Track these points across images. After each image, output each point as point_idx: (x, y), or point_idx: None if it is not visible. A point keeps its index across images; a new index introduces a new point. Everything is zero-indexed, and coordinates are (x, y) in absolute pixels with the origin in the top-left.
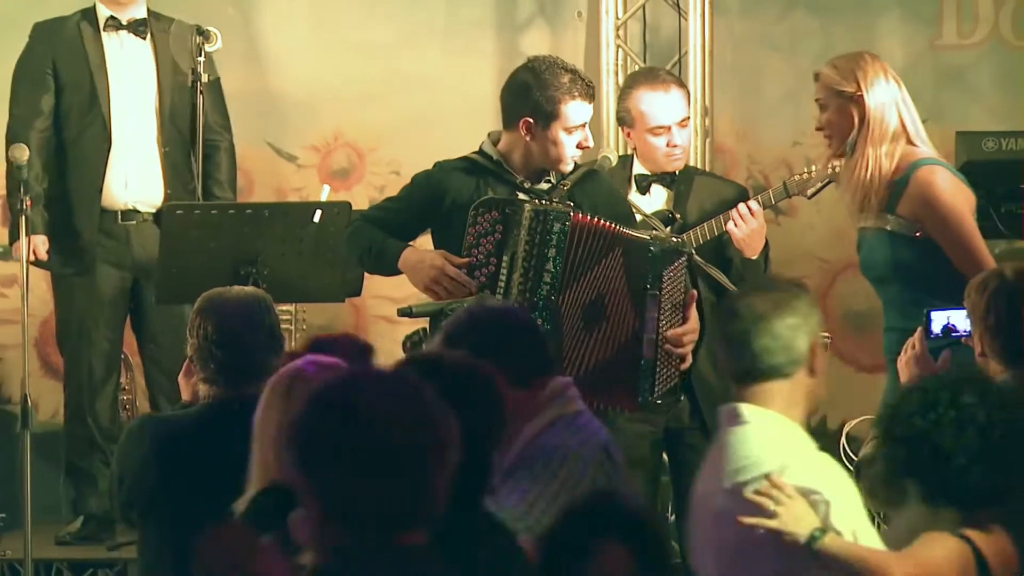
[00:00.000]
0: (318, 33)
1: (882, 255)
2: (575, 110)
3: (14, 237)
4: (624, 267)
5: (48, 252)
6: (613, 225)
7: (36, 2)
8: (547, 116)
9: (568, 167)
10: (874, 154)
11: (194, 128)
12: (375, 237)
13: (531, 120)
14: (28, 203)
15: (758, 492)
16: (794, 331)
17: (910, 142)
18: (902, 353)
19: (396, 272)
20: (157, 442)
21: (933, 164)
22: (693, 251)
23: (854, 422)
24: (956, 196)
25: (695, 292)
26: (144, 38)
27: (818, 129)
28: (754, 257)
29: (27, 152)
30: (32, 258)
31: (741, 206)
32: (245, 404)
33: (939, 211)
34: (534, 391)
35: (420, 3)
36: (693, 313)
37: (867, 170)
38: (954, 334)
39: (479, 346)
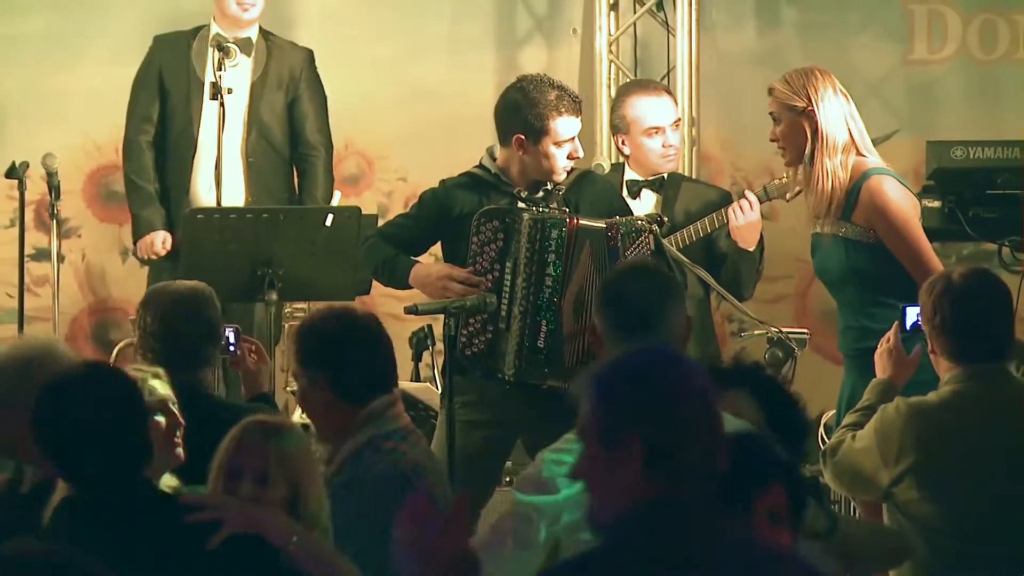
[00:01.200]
0: (331, 49)
1: (838, 260)
2: (563, 125)
3: (141, 233)
4: (592, 255)
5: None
6: (576, 220)
7: (58, 21)
8: (537, 132)
9: (561, 177)
10: (831, 165)
11: (294, 141)
12: (387, 254)
13: (523, 137)
14: (58, 208)
15: None
16: None
17: (859, 153)
18: (879, 346)
19: (407, 287)
20: None
21: (881, 173)
22: (658, 231)
23: (831, 412)
24: (903, 203)
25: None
26: (248, 55)
27: (772, 140)
28: (750, 249)
29: (57, 160)
30: (159, 251)
31: (743, 199)
32: (182, 391)
33: (888, 217)
34: (363, 407)
35: (426, 21)
36: None
37: (827, 180)
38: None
39: (316, 356)
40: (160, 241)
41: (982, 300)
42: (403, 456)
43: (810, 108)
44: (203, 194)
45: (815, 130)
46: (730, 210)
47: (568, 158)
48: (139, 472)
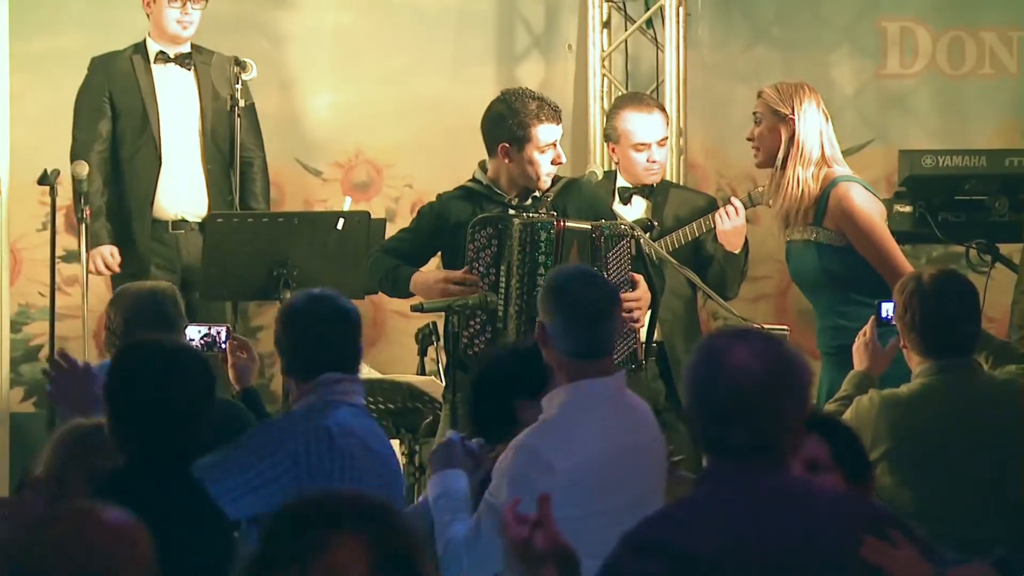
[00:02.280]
0: (341, 63)
1: (811, 264)
2: (544, 132)
3: (81, 244)
4: (579, 256)
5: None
6: (562, 222)
7: (94, 38)
8: (520, 140)
9: (546, 183)
10: (803, 175)
11: (232, 148)
12: (389, 266)
13: (507, 145)
14: (87, 212)
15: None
16: None
17: (828, 166)
18: (856, 340)
19: (410, 295)
20: None
21: (848, 181)
22: (640, 235)
23: None
24: (869, 208)
25: (641, 270)
26: (189, 69)
27: (748, 139)
28: (736, 252)
29: (87, 168)
30: (103, 268)
31: (729, 204)
32: None
33: (855, 221)
34: (314, 381)
35: (430, 37)
36: (641, 284)
37: (797, 188)
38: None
39: (286, 334)
40: (108, 254)
41: (950, 299)
42: (332, 418)
43: (791, 117)
44: (168, 205)
45: (791, 138)
46: (717, 215)
47: (552, 163)
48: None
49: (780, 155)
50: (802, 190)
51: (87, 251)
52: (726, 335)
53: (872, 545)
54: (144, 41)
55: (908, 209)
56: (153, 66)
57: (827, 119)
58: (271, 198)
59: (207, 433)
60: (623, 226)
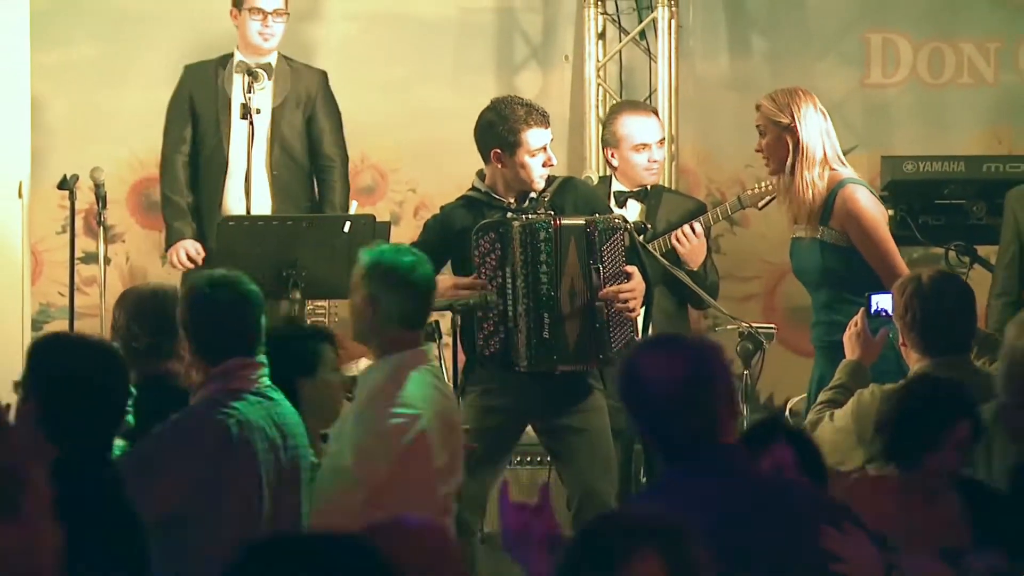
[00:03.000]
0: (348, 73)
1: (814, 261)
2: (534, 136)
3: (171, 242)
4: (575, 250)
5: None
6: (559, 220)
7: (111, 49)
8: (511, 145)
9: (539, 184)
10: (810, 176)
11: (307, 155)
12: None
13: (499, 151)
14: (105, 216)
15: None
16: None
17: (831, 166)
18: (847, 329)
19: None
20: None
21: (854, 184)
22: (631, 228)
23: (796, 399)
24: (874, 210)
25: (636, 264)
26: (270, 79)
27: (758, 151)
28: (695, 269)
29: (103, 173)
30: (186, 262)
31: (685, 227)
32: (147, 381)
33: (860, 222)
34: (218, 367)
35: (432, 48)
36: (636, 275)
37: (807, 190)
38: (884, 314)
39: (189, 318)
40: (191, 250)
41: (947, 299)
42: (233, 411)
43: (793, 124)
44: (233, 206)
45: (796, 144)
46: (674, 241)
47: (543, 166)
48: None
49: (788, 162)
50: (811, 192)
51: (104, 254)
52: (642, 347)
53: (830, 533)
54: (232, 53)
55: (890, 212)
56: (234, 75)
57: (825, 117)
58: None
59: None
60: (615, 219)
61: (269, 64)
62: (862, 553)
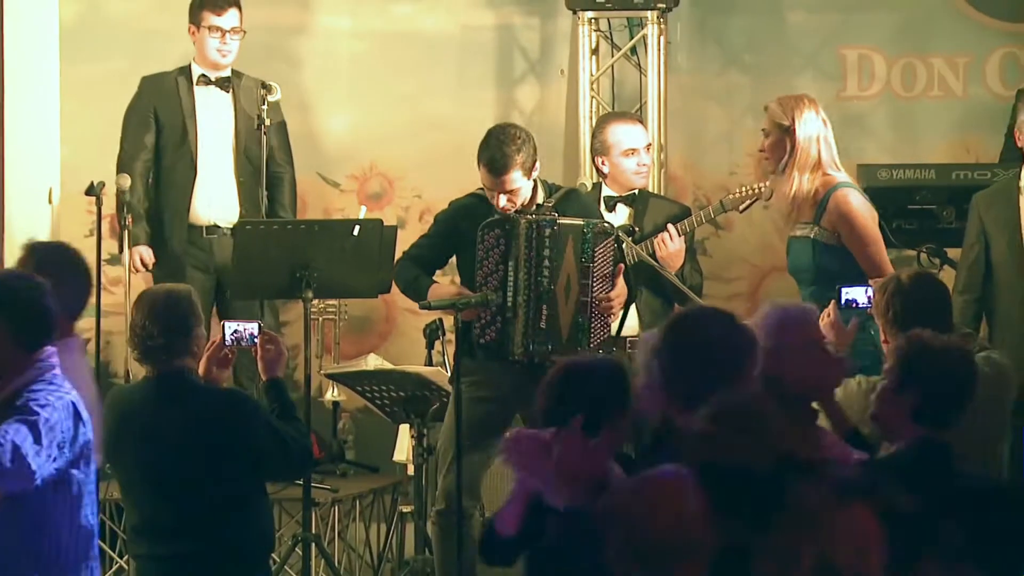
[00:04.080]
0: (356, 87)
1: (807, 259)
2: (487, 179)
3: (122, 250)
4: (572, 248)
5: (154, 261)
6: (559, 219)
7: (136, 64)
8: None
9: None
10: (799, 178)
11: (262, 162)
12: (411, 276)
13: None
14: (130, 220)
15: None
16: None
17: (825, 172)
18: (822, 318)
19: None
20: (113, 407)
21: (847, 187)
22: (621, 234)
23: None
24: (864, 212)
25: (622, 265)
26: (227, 92)
27: (760, 151)
28: (674, 272)
29: (129, 180)
30: (139, 266)
31: (663, 233)
32: (164, 377)
33: (852, 223)
34: (31, 354)
35: (437, 63)
36: (620, 282)
37: (792, 190)
38: (855, 306)
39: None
40: (145, 255)
41: (925, 297)
42: (70, 391)
43: (792, 127)
44: (202, 211)
45: (793, 146)
46: (656, 243)
47: (500, 206)
48: None
49: (783, 161)
50: (794, 192)
51: (129, 250)
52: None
53: None
54: (189, 65)
55: None
56: (195, 87)
57: (826, 124)
58: (296, 207)
59: None
60: (607, 225)
61: (228, 78)
62: None
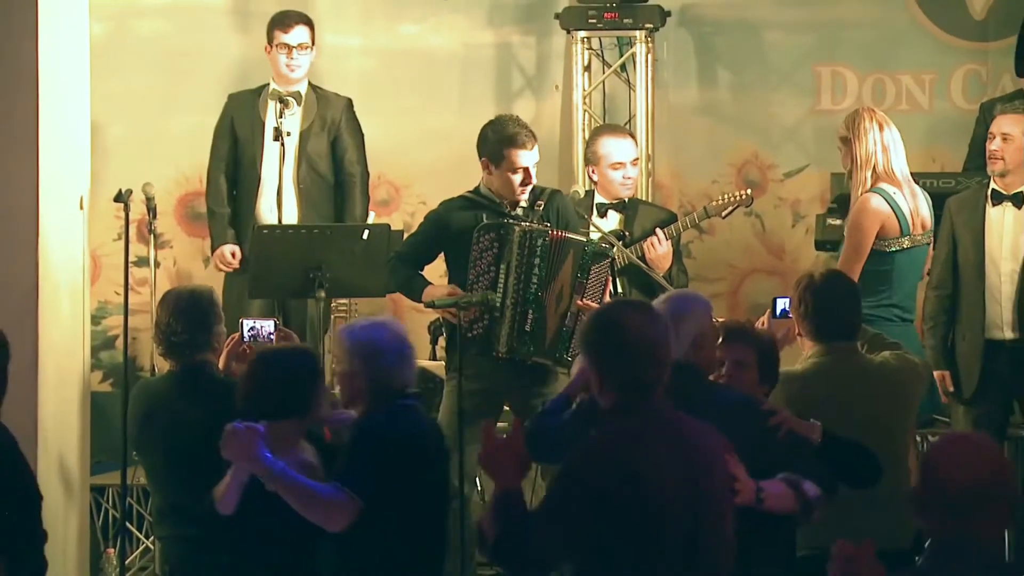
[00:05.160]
0: (367, 100)
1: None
2: (518, 156)
3: (215, 247)
4: (572, 262)
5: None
6: (563, 234)
7: (160, 81)
8: (498, 159)
9: (519, 197)
10: (858, 178)
11: (332, 170)
12: (405, 276)
13: (488, 160)
14: (155, 225)
15: None
16: None
17: (879, 177)
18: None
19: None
20: (140, 399)
21: (872, 193)
22: (616, 257)
23: None
24: (858, 215)
25: (610, 289)
26: (299, 105)
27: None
28: (662, 275)
29: (154, 188)
30: (229, 262)
31: (652, 237)
32: (186, 370)
33: (847, 224)
34: None
35: (440, 79)
36: (607, 299)
37: (852, 191)
38: (789, 316)
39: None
40: (229, 253)
41: (836, 293)
42: None
43: (852, 138)
44: (266, 215)
45: (854, 157)
46: (646, 246)
47: (522, 184)
48: None
49: (849, 169)
50: (852, 193)
51: (154, 258)
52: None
53: (730, 460)
54: (268, 83)
55: (838, 222)
56: (269, 102)
57: (881, 128)
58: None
59: None
60: (605, 245)
61: (299, 92)
62: (743, 477)
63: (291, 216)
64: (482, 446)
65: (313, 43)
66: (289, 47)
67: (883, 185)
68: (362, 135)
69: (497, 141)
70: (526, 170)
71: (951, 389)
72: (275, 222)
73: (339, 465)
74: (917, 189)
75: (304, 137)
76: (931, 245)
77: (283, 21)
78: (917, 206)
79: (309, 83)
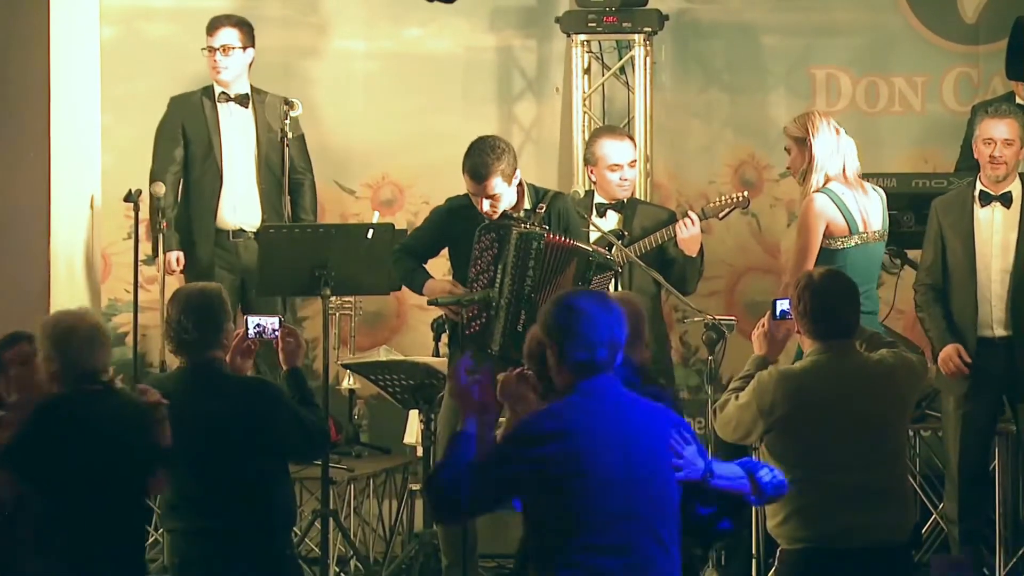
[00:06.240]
0: (373, 103)
1: None
2: (470, 186)
3: (157, 252)
4: (575, 271)
5: (184, 264)
6: (571, 241)
7: (169, 83)
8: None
9: (492, 214)
10: (811, 179)
11: (283, 171)
12: (408, 269)
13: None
14: (164, 225)
15: None
16: None
17: (832, 175)
18: (756, 328)
19: (423, 294)
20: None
21: (819, 193)
22: (620, 269)
23: None
24: (806, 218)
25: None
26: (247, 107)
27: (788, 168)
28: (693, 256)
29: (164, 188)
30: (173, 268)
31: (688, 215)
32: (197, 366)
33: (797, 224)
34: None
35: (443, 82)
36: None
37: (803, 191)
38: (789, 317)
39: None
40: (174, 259)
41: (835, 293)
42: None
43: (808, 139)
44: (228, 215)
45: (810, 156)
46: (678, 226)
47: (484, 211)
48: None
49: (801, 170)
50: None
51: (164, 254)
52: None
53: (675, 440)
54: (212, 85)
55: None
56: (218, 104)
57: (838, 132)
58: (317, 211)
59: None
60: (609, 257)
61: (246, 94)
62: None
63: (255, 219)
64: (455, 382)
65: (247, 45)
66: (213, 49)
67: (832, 185)
68: (303, 133)
69: (463, 168)
70: (487, 199)
71: (968, 360)
72: (238, 225)
73: None
74: (870, 188)
75: (259, 139)
76: (884, 243)
77: (211, 24)
78: (868, 206)
79: (251, 85)
